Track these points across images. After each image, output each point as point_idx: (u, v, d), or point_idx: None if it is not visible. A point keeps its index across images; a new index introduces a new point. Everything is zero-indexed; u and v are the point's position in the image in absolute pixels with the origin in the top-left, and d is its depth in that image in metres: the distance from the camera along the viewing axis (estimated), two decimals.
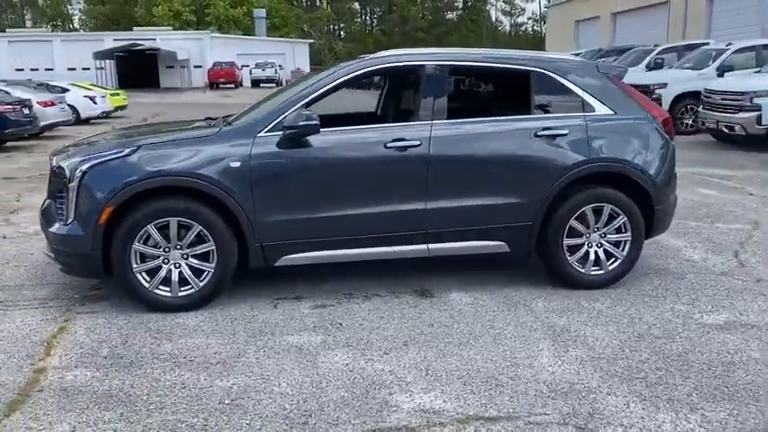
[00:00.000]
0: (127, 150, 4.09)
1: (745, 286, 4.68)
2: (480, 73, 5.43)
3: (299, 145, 4.17)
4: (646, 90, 14.48)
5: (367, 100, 7.70)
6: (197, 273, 4.19)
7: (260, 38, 53.44)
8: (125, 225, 4.02)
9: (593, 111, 4.56)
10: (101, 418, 2.95)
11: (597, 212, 4.53)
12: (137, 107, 25.69)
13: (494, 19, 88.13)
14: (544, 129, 4.43)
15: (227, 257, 4.17)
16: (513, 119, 4.51)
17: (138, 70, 46.90)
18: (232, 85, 43.26)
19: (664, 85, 14.17)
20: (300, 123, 4.07)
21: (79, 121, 19.70)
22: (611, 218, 4.55)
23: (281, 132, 4.16)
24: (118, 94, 24.58)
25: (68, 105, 18.45)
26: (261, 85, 41.82)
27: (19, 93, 15.74)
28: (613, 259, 4.61)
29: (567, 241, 4.53)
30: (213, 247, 4.14)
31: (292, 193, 4.20)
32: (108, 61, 45.52)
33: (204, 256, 4.17)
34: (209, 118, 5.07)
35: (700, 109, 12.59)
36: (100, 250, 4.04)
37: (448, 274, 4.86)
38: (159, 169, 4.03)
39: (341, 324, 4.01)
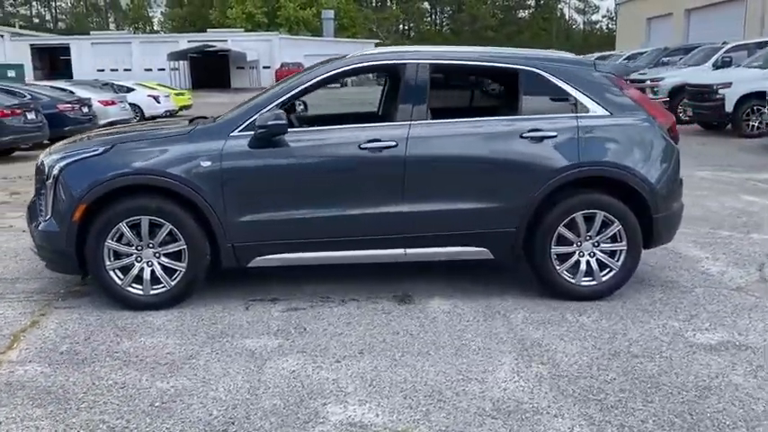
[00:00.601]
0: (101, 149, 4.14)
1: (756, 303, 4.29)
2: (466, 72, 5.20)
3: (270, 145, 4.10)
4: (708, 90, 13.70)
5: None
6: (169, 272, 4.18)
7: (327, 38, 54.05)
8: (98, 222, 4.06)
9: (587, 112, 4.28)
10: (30, 414, 2.96)
11: (589, 219, 4.25)
12: (204, 107, 26.31)
13: (567, 17, 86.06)
14: (531, 130, 4.19)
15: (199, 257, 4.15)
16: (496, 119, 4.29)
17: (211, 71, 48.37)
18: None
19: (728, 85, 13.33)
20: (269, 123, 4.00)
21: (143, 119, 20.48)
22: (605, 225, 4.26)
23: (253, 132, 4.10)
24: (182, 94, 25.46)
25: (132, 104, 19.24)
26: (327, 85, 42.27)
27: (83, 92, 16.52)
28: (608, 270, 4.31)
29: (556, 249, 4.27)
30: (184, 247, 4.12)
31: (263, 194, 4.14)
32: (182, 62, 47.10)
33: (176, 256, 4.16)
34: (203, 117, 5.06)
35: (765, 110, 11.81)
36: (74, 247, 4.08)
37: (437, 279, 4.68)
38: (130, 168, 4.05)
39: (305, 329, 3.91)
